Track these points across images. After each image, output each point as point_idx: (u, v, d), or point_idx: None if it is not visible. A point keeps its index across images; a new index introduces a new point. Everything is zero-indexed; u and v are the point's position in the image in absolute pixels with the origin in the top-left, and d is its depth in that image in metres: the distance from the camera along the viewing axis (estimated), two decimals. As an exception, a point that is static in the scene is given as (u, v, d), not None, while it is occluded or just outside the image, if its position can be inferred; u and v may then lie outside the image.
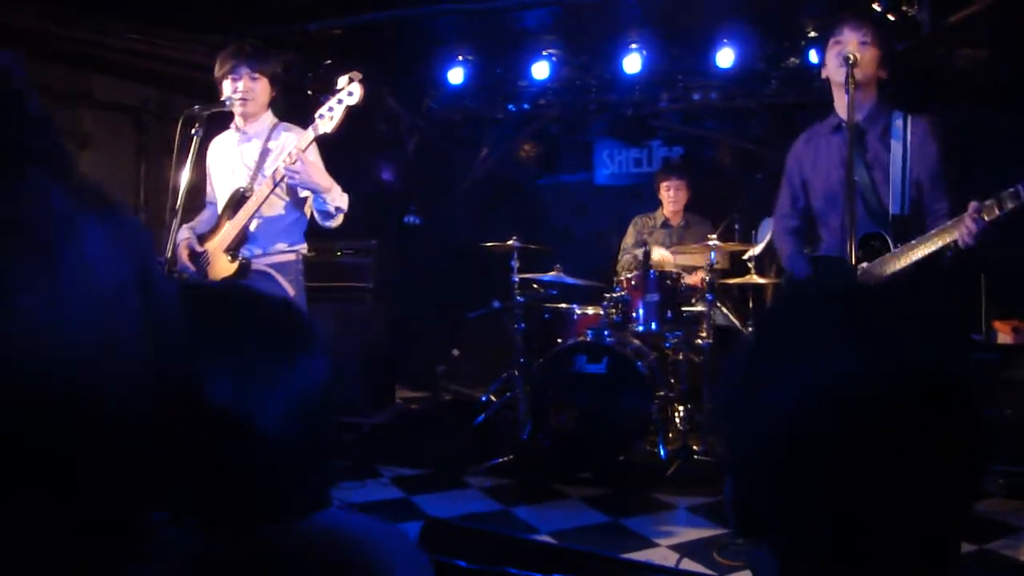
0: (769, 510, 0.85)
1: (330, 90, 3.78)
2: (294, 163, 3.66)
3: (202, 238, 4.01)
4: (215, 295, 1.11)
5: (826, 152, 3.51)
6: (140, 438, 0.50)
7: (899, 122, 3.36)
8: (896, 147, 3.32)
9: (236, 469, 0.98)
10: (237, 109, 3.96)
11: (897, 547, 0.80)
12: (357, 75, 3.73)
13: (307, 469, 1.04)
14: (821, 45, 5.90)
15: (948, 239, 2.99)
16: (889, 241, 3.25)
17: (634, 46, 6.40)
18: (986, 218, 2.87)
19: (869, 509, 0.79)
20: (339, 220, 3.96)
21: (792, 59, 6.38)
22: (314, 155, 3.88)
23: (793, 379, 0.82)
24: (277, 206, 3.95)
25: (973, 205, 2.90)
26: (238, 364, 0.99)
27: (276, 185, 3.78)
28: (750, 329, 5.60)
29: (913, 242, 3.12)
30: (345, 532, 1.05)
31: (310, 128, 3.72)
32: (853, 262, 3.12)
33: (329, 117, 3.68)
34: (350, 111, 3.70)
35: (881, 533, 0.79)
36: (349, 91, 3.69)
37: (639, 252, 5.58)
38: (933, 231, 3.06)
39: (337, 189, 3.88)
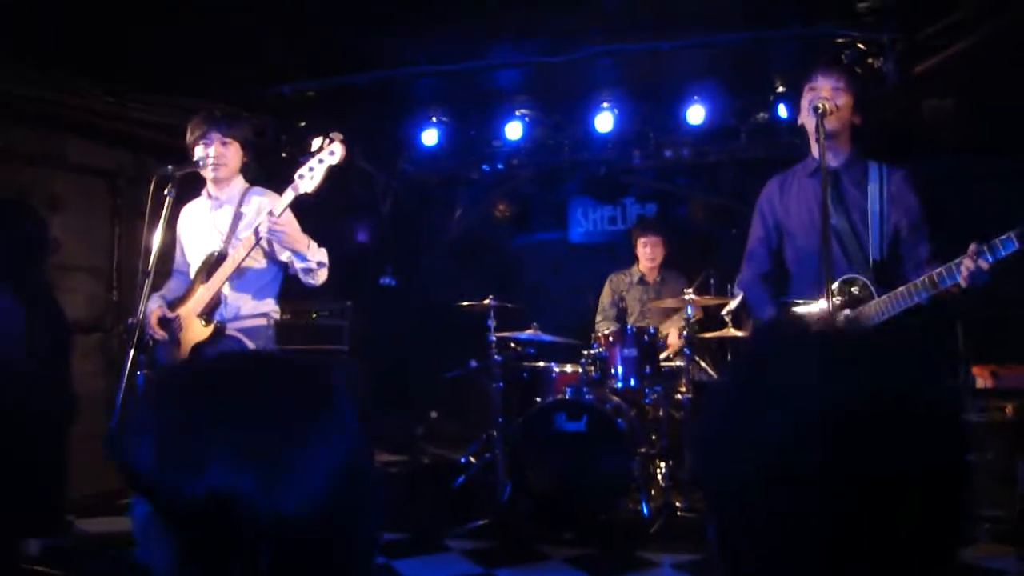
0: (754, 548, 0.83)
1: (305, 152, 3.77)
2: (278, 220, 3.64)
3: (173, 304, 3.96)
4: (227, 372, 1.01)
5: (802, 195, 3.48)
6: None
7: (875, 170, 3.36)
8: (873, 193, 3.32)
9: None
10: (209, 174, 3.95)
11: None
12: (338, 136, 3.72)
13: (338, 544, 0.95)
14: (790, 99, 6.02)
15: (940, 285, 2.94)
16: (870, 286, 3.22)
17: (606, 105, 6.48)
18: (991, 257, 2.83)
19: (852, 544, 0.77)
20: (323, 275, 3.93)
21: (761, 114, 6.49)
22: (289, 215, 3.87)
23: (775, 414, 0.80)
24: (251, 270, 3.92)
25: (973, 247, 2.86)
26: (252, 443, 0.91)
27: (256, 244, 3.75)
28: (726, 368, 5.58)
29: (900, 289, 3.06)
30: None
31: (290, 188, 3.69)
32: (831, 307, 3.10)
33: (310, 177, 3.66)
34: (331, 171, 3.70)
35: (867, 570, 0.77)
36: (331, 151, 3.68)
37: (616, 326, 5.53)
38: (923, 277, 3.00)
39: (313, 245, 3.87)
